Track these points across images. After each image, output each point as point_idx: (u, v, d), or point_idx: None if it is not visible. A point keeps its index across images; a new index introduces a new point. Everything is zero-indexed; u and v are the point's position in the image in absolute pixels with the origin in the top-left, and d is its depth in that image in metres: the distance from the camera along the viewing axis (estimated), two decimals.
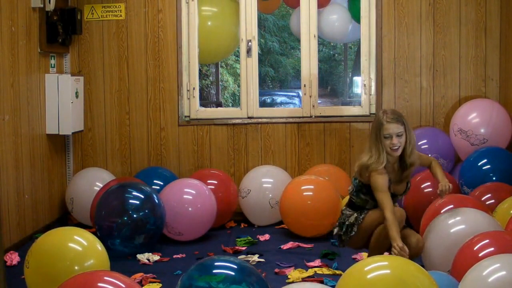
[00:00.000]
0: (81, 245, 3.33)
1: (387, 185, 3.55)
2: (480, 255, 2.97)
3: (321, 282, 3.74)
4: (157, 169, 5.45)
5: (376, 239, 3.64)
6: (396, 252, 3.28)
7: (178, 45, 5.54)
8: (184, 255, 4.45)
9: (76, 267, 3.22)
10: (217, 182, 5.11)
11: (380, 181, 3.52)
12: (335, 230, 3.80)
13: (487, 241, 3.05)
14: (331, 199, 4.73)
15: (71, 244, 3.32)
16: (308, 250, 4.55)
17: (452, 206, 3.75)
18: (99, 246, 3.40)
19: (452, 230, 3.45)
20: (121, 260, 4.29)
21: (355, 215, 3.70)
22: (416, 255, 3.55)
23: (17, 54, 4.62)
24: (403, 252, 3.27)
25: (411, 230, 3.70)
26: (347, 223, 3.71)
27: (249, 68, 5.59)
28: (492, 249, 2.97)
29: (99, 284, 2.56)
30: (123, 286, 2.57)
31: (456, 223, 3.47)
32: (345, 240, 3.74)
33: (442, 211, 3.72)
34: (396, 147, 3.55)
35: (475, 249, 3.04)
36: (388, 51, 5.45)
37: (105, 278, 2.61)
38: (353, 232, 3.68)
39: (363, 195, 3.69)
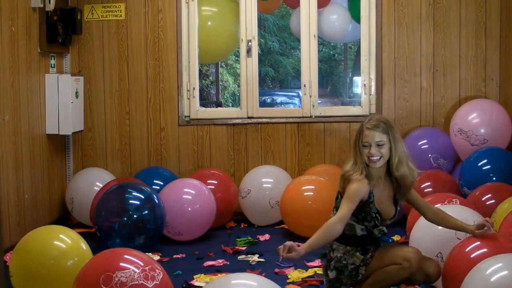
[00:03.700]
0: (65, 243, 3.32)
1: (360, 198, 3.07)
2: (471, 256, 2.95)
3: (321, 282, 3.74)
4: (157, 169, 5.45)
5: (377, 277, 3.17)
6: (280, 250, 2.86)
7: (178, 45, 5.54)
8: (184, 255, 4.45)
9: (60, 266, 3.21)
10: (217, 182, 5.11)
11: (354, 188, 3.05)
12: (331, 275, 3.25)
13: (478, 243, 3.03)
14: (332, 199, 4.68)
15: (56, 242, 3.31)
16: None
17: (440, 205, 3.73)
18: (83, 245, 3.38)
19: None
20: None
21: (357, 255, 3.20)
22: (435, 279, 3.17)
23: (17, 54, 4.62)
24: (281, 251, 2.86)
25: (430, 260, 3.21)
26: (350, 267, 3.20)
27: (249, 68, 5.59)
28: (485, 250, 2.95)
29: (121, 264, 2.74)
30: (141, 263, 2.76)
31: None
32: (347, 282, 3.24)
33: None
34: (374, 158, 3.06)
35: (466, 250, 3.02)
36: (388, 51, 5.45)
37: (125, 256, 2.81)
38: (360, 276, 3.19)
39: (349, 220, 3.14)
